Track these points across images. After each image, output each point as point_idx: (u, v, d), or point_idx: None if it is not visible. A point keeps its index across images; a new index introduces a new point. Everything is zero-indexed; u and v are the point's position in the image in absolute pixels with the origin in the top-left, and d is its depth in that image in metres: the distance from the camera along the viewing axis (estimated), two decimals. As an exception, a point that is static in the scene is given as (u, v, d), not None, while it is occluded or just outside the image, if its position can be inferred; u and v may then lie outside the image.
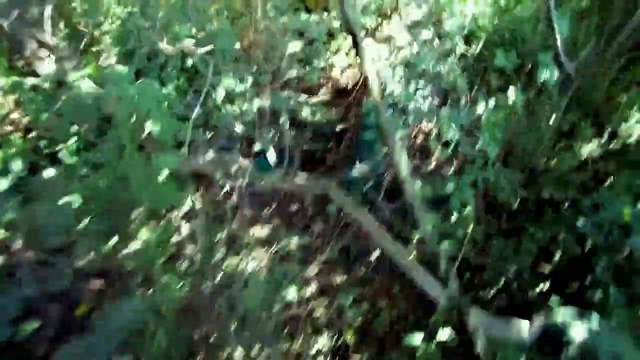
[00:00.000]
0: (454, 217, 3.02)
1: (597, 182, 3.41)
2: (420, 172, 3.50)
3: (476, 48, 3.54)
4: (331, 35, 4.24)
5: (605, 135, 3.51)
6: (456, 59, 3.30)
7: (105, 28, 4.24)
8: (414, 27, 3.99)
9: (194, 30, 3.70)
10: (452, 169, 3.61)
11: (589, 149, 3.53)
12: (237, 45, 3.73)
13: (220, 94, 3.18)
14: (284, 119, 3.18)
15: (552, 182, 3.38)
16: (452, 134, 2.86)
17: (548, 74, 2.49)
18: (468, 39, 3.65)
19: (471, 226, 3.04)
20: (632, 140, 3.58)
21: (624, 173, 3.25)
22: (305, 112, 3.36)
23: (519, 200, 3.27)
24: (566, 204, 3.25)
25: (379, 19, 4.25)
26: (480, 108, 2.74)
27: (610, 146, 3.54)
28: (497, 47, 4.10)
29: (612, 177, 3.36)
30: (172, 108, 2.94)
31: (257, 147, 3.27)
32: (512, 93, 2.69)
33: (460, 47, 3.37)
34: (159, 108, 2.15)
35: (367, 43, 3.90)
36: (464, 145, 2.97)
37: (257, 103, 3.27)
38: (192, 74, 3.56)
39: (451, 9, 3.84)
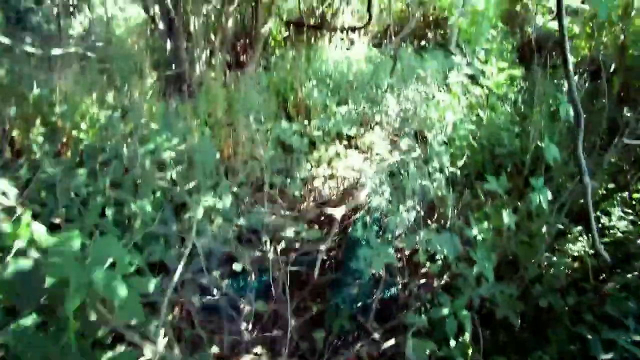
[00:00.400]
0: (452, 343, 2.81)
1: (594, 279, 3.32)
2: (409, 288, 3.31)
3: (460, 159, 3.56)
4: (313, 144, 4.25)
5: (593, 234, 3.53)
6: (443, 177, 3.28)
7: (83, 128, 4.15)
8: (396, 136, 4.02)
9: (174, 141, 3.63)
10: (443, 282, 3.46)
11: (580, 248, 3.49)
12: (217, 155, 3.67)
13: (199, 212, 3.02)
14: (265, 239, 3.01)
15: (548, 291, 3.25)
16: (445, 252, 2.74)
17: (542, 197, 2.47)
18: (452, 153, 3.69)
19: (470, 351, 2.83)
20: (619, 235, 3.60)
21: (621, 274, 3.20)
22: (288, 231, 3.20)
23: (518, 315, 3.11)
24: (567, 311, 3.11)
25: (361, 129, 4.32)
26: (474, 230, 2.66)
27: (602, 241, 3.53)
28: (476, 153, 4.20)
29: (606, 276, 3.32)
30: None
31: (237, 267, 3.05)
32: (505, 216, 2.64)
33: (448, 167, 3.37)
34: (115, 279, 1.74)
35: (349, 153, 3.90)
36: (456, 265, 2.83)
37: (237, 221, 3.11)
38: (170, 187, 3.41)
39: (431, 120, 3.93)
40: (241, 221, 3.16)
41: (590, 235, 1.86)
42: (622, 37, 4.64)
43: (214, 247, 3.04)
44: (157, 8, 6.06)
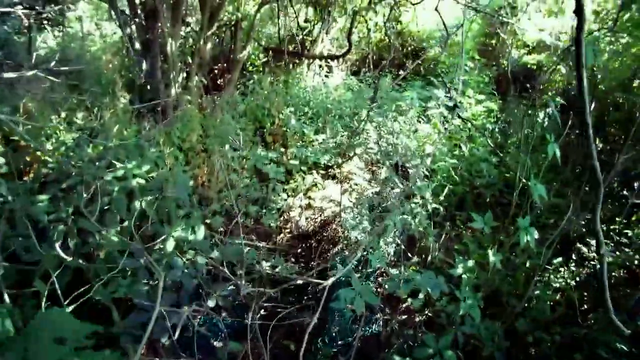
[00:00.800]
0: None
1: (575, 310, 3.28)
2: (391, 325, 3.18)
3: (441, 193, 3.49)
4: (289, 172, 4.11)
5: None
6: (424, 210, 3.19)
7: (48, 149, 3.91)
8: (375, 166, 3.94)
9: (145, 167, 3.44)
10: (425, 318, 3.35)
11: (561, 278, 3.47)
12: (191, 183, 3.49)
13: (170, 244, 2.84)
14: (240, 273, 2.83)
15: (534, 326, 3.17)
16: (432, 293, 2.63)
17: (529, 238, 2.41)
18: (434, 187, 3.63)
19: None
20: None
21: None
22: (264, 265, 3.04)
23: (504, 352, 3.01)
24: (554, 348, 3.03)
25: (338, 159, 4.21)
26: (459, 269, 2.57)
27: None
28: (456, 184, 4.16)
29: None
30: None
31: (210, 303, 2.86)
32: (490, 255, 2.56)
33: (430, 202, 3.28)
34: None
35: (326, 183, 3.79)
36: (439, 302, 2.73)
37: (210, 253, 2.93)
38: (139, 217, 3.20)
39: (411, 151, 3.87)
40: (215, 253, 2.98)
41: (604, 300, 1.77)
42: (597, 76, 4.77)
43: (185, 281, 2.84)
44: (133, 27, 5.92)
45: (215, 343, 2.88)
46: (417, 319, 3.35)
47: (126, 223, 3.08)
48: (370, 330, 3.13)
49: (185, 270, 2.85)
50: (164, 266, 2.87)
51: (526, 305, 3.24)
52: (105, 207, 3.20)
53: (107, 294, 2.70)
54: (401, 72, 7.32)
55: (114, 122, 4.40)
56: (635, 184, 4.15)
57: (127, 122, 4.61)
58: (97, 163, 3.51)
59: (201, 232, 2.91)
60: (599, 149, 4.76)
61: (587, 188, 3.69)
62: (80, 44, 7.40)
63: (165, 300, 2.83)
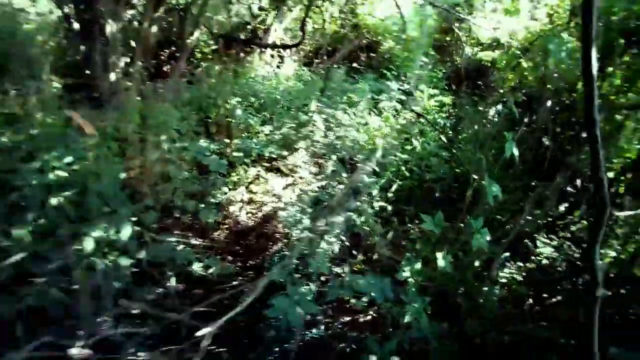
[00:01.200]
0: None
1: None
2: (333, 328, 3.02)
3: (390, 189, 3.37)
4: (231, 165, 3.86)
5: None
6: (370, 207, 3.05)
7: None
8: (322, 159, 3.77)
9: (68, 159, 3.10)
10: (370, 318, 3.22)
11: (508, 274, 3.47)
12: (122, 175, 3.20)
13: (89, 244, 2.55)
14: (170, 274, 2.59)
15: (482, 326, 3.10)
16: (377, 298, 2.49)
17: (482, 239, 2.32)
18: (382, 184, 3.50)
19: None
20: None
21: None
22: (197, 266, 2.80)
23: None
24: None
25: (284, 150, 4.00)
26: (406, 272, 2.44)
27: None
28: (405, 179, 4.06)
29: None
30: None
31: (135, 309, 2.60)
32: (440, 259, 2.45)
33: (377, 199, 3.15)
34: None
35: (270, 176, 3.59)
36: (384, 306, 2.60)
37: (137, 254, 2.66)
38: (57, 214, 2.87)
39: (360, 144, 3.73)
40: (142, 254, 2.72)
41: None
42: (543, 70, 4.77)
43: (106, 285, 2.57)
44: (72, 6, 5.45)
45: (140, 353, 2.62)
46: (361, 320, 3.22)
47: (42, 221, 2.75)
48: (311, 335, 2.96)
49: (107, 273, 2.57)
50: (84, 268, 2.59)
51: (474, 304, 3.18)
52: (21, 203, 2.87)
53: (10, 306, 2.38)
54: (355, 64, 7.20)
55: (39, 108, 4.00)
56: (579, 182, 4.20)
57: (56, 108, 4.20)
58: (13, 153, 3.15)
59: (126, 230, 2.64)
60: (548, 147, 4.79)
61: (534, 184, 3.70)
62: (10, 19, 6.76)
63: (82, 307, 2.55)
